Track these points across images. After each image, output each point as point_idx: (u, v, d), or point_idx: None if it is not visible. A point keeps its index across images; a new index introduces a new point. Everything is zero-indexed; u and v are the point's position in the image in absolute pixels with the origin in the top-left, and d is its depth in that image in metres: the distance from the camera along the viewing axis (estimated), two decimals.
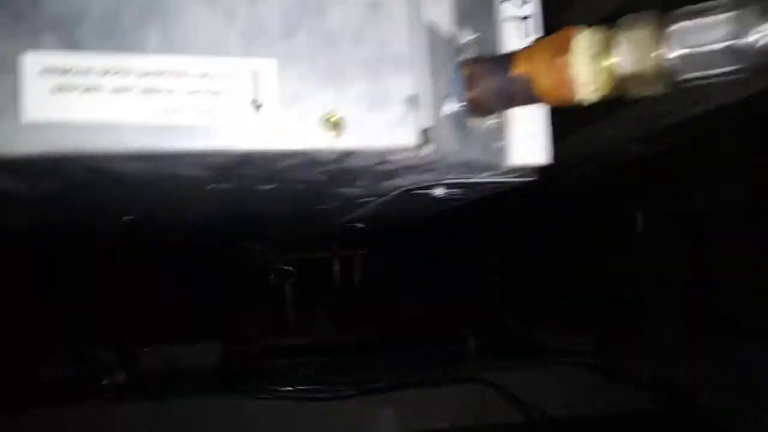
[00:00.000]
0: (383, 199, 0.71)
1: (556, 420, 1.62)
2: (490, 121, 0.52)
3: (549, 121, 0.55)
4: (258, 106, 0.41)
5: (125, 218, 0.77)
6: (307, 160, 0.45)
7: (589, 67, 0.43)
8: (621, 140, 1.49)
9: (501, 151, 0.54)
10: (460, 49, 0.49)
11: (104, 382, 1.88)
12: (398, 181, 0.59)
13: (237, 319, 2.41)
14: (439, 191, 0.65)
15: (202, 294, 2.33)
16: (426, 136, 0.44)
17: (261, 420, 1.77)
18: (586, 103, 0.46)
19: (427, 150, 0.45)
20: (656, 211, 1.71)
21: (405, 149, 0.44)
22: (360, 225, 1.12)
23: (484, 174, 0.57)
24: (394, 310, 2.13)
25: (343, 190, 0.62)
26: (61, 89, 0.38)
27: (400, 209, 0.85)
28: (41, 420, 1.58)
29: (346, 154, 0.44)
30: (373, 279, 1.92)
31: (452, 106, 0.47)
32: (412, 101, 0.44)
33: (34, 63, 0.38)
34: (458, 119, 0.48)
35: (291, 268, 2.36)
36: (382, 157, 0.45)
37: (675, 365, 1.61)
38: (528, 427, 1.64)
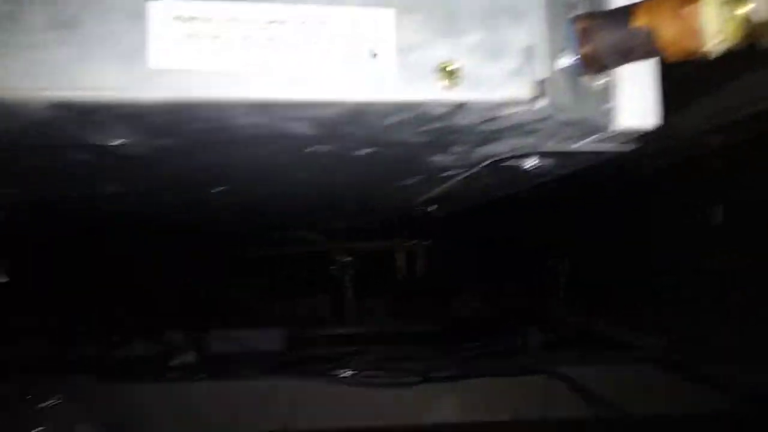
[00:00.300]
0: (470, 172, 0.70)
1: (627, 417, 1.56)
2: (601, 80, 0.50)
3: (659, 84, 0.53)
4: (374, 56, 0.41)
5: (215, 190, 0.79)
6: (418, 115, 0.44)
7: (720, 15, 0.41)
8: (699, 130, 1.43)
9: (609, 113, 0.51)
10: (572, 4, 0.47)
11: (174, 362, 1.95)
12: (494, 148, 0.57)
13: (299, 307, 2.46)
14: (530, 162, 0.64)
15: (267, 281, 2.39)
16: (541, 88, 0.43)
17: (323, 403, 1.79)
18: (712, 56, 0.43)
19: (541, 103, 0.43)
20: (734, 204, 1.63)
21: (519, 101, 0.43)
22: (432, 207, 1.11)
23: (587, 140, 0.55)
24: (456, 302, 2.11)
25: (435, 158, 0.62)
26: (187, 37, 0.39)
27: (479, 187, 0.84)
28: (117, 395, 1.64)
29: (459, 107, 0.43)
30: (435, 270, 1.91)
31: (566, 61, 0.45)
32: (529, 52, 0.42)
33: (162, 10, 0.39)
34: (572, 75, 0.46)
35: (350, 259, 2.38)
36: (493, 111, 0.44)
37: (755, 366, 1.53)
38: (597, 424, 1.58)
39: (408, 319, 2.13)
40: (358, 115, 0.44)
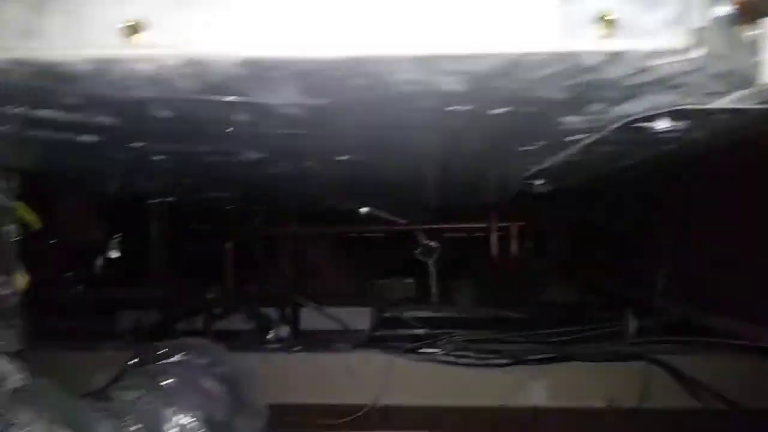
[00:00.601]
0: (597, 136, 0.71)
1: (735, 409, 1.49)
2: (753, 31, 0.49)
3: None
4: (536, 6, 0.43)
5: (338, 158, 0.84)
6: (571, 66, 0.46)
7: None
8: None
9: (758, 66, 0.51)
10: None
11: (270, 335, 2.07)
12: (631, 107, 0.58)
13: (386, 288, 2.51)
14: (663, 124, 0.64)
15: (356, 262, 2.46)
16: (698, 37, 0.43)
17: (413, 380, 1.83)
18: None
19: (696, 53, 0.44)
20: None
21: (675, 50, 0.44)
22: (539, 182, 1.11)
23: (731, 96, 0.55)
24: (547, 287, 2.09)
25: (567, 119, 0.63)
26: None
27: (599, 156, 0.84)
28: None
29: (614, 56, 0.44)
30: (527, 253, 1.89)
31: (723, 9, 0.45)
32: (686, 1, 0.43)
33: None
34: (726, 24, 0.46)
35: (435, 243, 2.41)
36: (647, 61, 0.45)
37: None
38: (701, 415, 1.52)
39: (497, 304, 2.13)
40: (513, 67, 0.46)
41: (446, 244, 2.35)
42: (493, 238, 1.79)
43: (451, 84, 0.49)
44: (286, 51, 0.44)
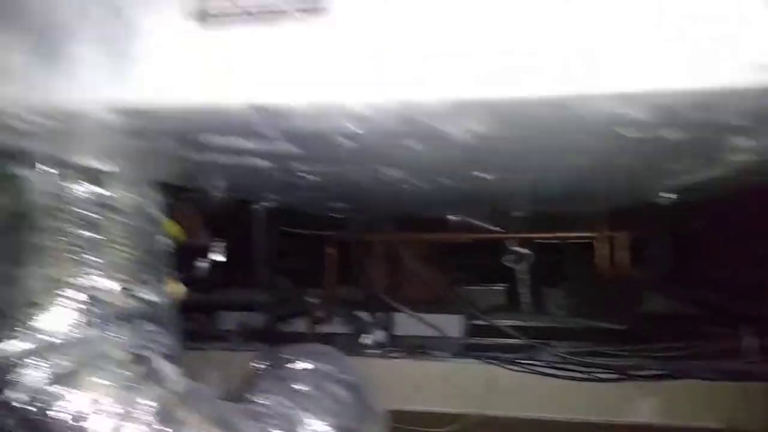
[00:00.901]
0: (755, 158, 0.69)
1: None
2: None
3: None
4: (740, 42, 0.43)
5: (476, 174, 0.85)
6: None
7: None
8: None
9: None
10: None
11: (367, 340, 2.12)
12: None
13: (476, 295, 2.50)
14: None
15: (446, 268, 2.47)
16: None
17: (510, 390, 1.81)
18: None
19: None
20: None
21: None
22: (667, 195, 1.09)
23: None
24: (648, 297, 2.01)
25: (734, 140, 0.62)
26: (557, 35, 0.45)
27: (751, 173, 0.81)
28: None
29: None
30: (636, 263, 1.83)
31: None
32: None
33: None
34: None
35: (526, 251, 2.37)
36: None
37: None
38: None
39: (592, 314, 2.07)
40: (713, 99, 0.46)
41: (538, 250, 2.31)
42: (601, 247, 1.75)
43: (639, 114, 0.50)
44: (491, 92, 0.46)
